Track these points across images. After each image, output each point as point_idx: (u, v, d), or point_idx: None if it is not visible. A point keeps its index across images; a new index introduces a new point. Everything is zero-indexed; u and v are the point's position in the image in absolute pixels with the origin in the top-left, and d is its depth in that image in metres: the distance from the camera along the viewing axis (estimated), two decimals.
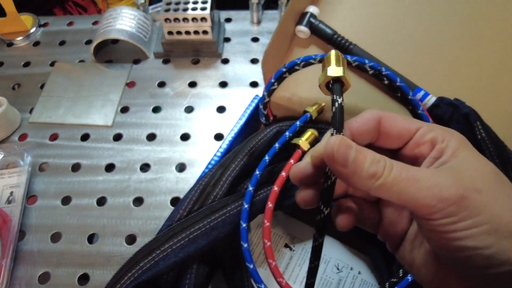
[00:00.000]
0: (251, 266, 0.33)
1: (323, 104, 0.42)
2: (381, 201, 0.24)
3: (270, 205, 0.35)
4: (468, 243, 0.17)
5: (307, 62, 0.40)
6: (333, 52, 0.22)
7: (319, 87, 0.22)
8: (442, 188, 0.17)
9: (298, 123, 0.40)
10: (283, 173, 0.37)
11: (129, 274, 0.33)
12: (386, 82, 0.38)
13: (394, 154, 0.22)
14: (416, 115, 0.37)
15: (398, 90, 0.38)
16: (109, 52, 0.58)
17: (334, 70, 0.21)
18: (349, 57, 0.38)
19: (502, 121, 0.39)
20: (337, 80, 0.21)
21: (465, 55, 0.41)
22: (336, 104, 0.20)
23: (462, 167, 0.18)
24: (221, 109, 0.51)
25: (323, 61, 0.22)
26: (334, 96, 0.21)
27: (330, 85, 0.22)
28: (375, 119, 0.21)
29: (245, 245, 0.34)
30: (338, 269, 0.39)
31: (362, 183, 0.18)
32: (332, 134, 0.20)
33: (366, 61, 0.38)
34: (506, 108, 0.39)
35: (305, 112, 0.41)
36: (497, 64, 0.40)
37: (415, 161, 0.21)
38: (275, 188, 0.34)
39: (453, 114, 0.38)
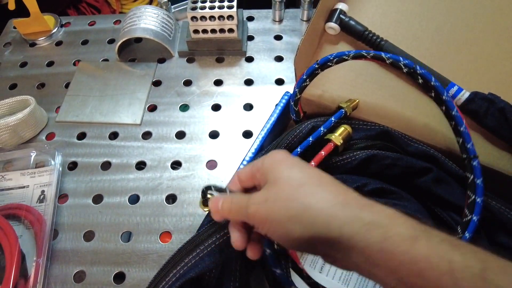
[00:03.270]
0: (278, 271, 0.32)
1: (357, 100, 0.42)
2: None
3: None
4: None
5: (340, 58, 0.40)
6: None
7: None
8: (249, 208, 0.25)
9: (333, 119, 0.40)
10: (312, 162, 0.37)
11: (174, 271, 0.32)
12: (420, 81, 0.38)
13: None
14: (449, 116, 0.37)
15: (432, 90, 0.37)
16: (133, 51, 0.58)
17: None
18: (383, 54, 0.38)
19: None
20: None
21: (497, 48, 0.42)
22: None
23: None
24: (248, 107, 0.52)
25: None
26: None
27: None
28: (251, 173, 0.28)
29: (268, 251, 0.33)
30: None
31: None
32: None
33: (401, 58, 0.38)
34: None
35: (340, 108, 0.41)
36: None
37: None
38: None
39: (488, 108, 0.38)
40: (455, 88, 0.40)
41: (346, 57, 0.40)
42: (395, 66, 0.39)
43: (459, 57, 0.42)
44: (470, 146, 0.36)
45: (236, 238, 0.28)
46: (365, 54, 0.39)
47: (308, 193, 0.23)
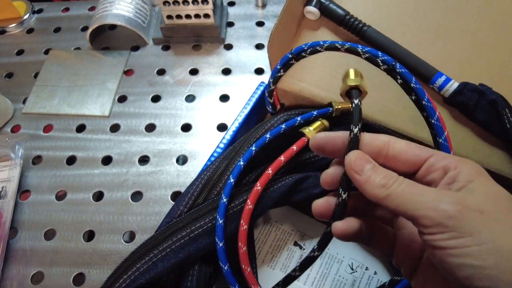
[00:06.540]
0: (226, 268, 0.30)
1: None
2: (395, 223, 0.25)
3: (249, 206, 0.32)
4: (467, 261, 0.17)
5: (314, 49, 0.35)
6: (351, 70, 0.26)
7: (341, 95, 0.26)
8: (442, 202, 0.18)
9: (315, 113, 0.36)
10: (282, 158, 0.34)
11: (124, 277, 0.30)
12: (399, 81, 0.33)
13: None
14: (430, 124, 0.32)
15: (413, 92, 0.32)
16: (106, 38, 0.55)
17: (353, 81, 0.25)
18: (359, 47, 0.33)
19: None
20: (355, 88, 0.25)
21: (490, 36, 0.38)
22: (354, 105, 0.24)
23: (472, 191, 0.19)
24: (224, 98, 0.48)
25: (343, 76, 0.26)
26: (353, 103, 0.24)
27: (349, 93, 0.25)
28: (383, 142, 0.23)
29: (221, 244, 0.31)
30: (352, 269, 0.36)
31: (373, 191, 0.20)
32: (351, 137, 0.23)
33: (380, 54, 0.33)
34: None
35: (329, 105, 0.37)
36: None
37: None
38: (258, 187, 0.33)
39: (478, 101, 0.35)
40: (443, 78, 0.37)
41: (320, 48, 0.35)
42: (372, 62, 0.34)
43: (449, 45, 0.39)
44: None
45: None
46: (339, 46, 0.34)
47: None
